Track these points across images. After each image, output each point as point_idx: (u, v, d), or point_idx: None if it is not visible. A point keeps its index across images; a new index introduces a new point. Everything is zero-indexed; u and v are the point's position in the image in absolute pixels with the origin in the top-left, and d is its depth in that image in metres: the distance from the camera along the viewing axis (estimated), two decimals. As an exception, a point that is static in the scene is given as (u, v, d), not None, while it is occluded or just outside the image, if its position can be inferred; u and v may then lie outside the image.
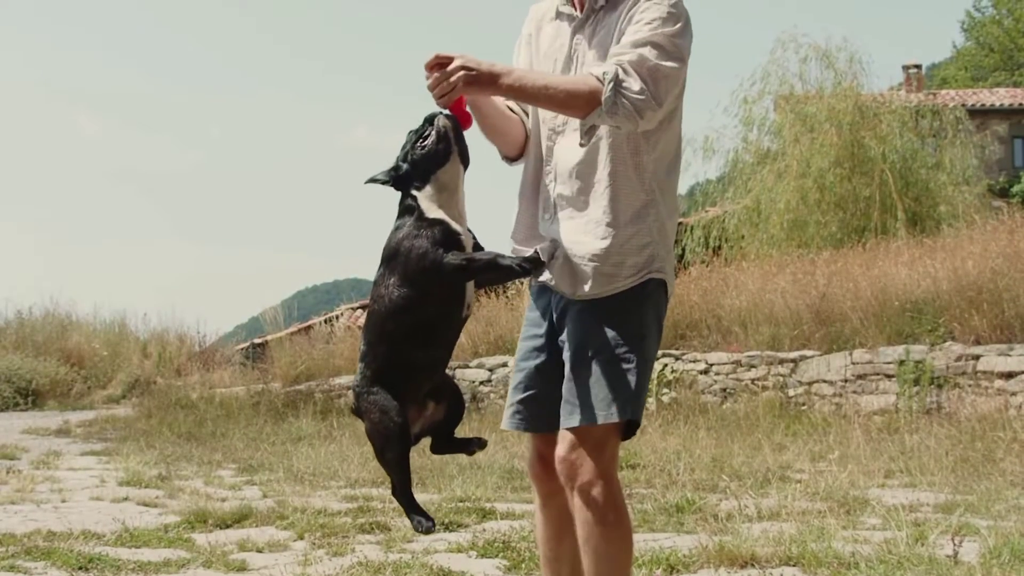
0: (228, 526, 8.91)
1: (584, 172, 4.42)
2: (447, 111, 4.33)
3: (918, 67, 56.53)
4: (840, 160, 30.54)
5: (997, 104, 54.39)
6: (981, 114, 50.80)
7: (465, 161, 4.38)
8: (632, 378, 4.33)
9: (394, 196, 4.36)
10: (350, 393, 4.40)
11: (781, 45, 34.07)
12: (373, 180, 4.41)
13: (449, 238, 4.23)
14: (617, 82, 4.16)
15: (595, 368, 4.35)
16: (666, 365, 18.55)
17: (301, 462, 13.15)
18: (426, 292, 4.26)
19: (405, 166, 4.34)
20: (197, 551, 7.71)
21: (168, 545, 7.98)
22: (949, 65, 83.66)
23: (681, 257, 30.13)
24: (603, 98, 4.18)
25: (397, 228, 4.33)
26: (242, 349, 31.64)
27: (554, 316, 4.51)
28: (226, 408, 20.74)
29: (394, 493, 4.79)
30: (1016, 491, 9.86)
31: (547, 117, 4.51)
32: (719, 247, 31.26)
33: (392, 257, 4.31)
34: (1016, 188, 47.89)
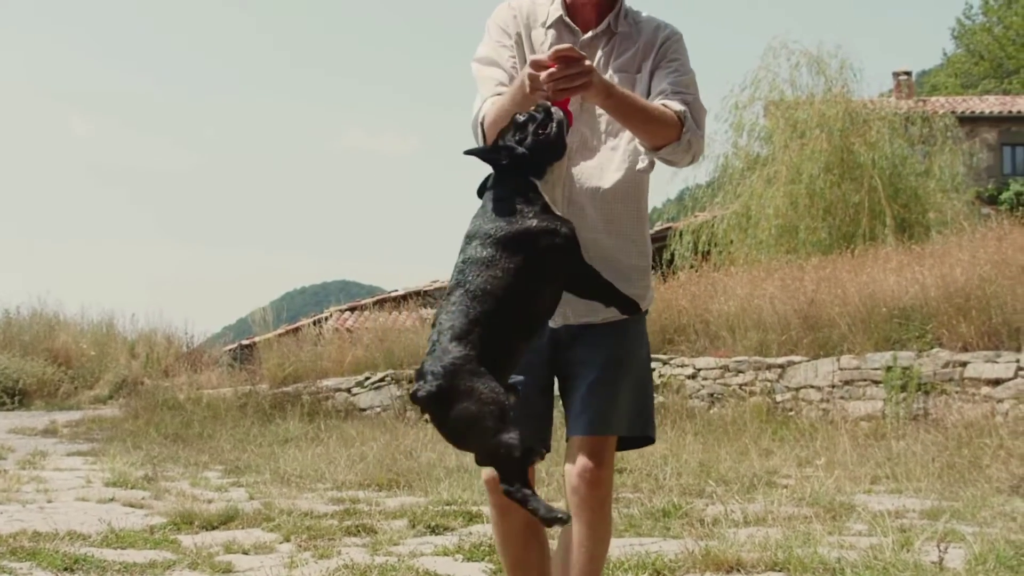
0: (214, 528, 8.90)
1: (626, 195, 4.49)
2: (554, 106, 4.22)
3: (908, 74, 56.70)
4: (830, 166, 30.59)
5: (986, 111, 54.57)
6: (970, 121, 50.95)
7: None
8: (653, 396, 4.66)
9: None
10: (414, 382, 3.84)
11: (772, 51, 34.13)
12: (479, 154, 4.22)
13: (577, 241, 4.14)
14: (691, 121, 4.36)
15: (626, 384, 4.49)
16: (654, 370, 18.54)
17: (288, 464, 13.15)
18: (547, 287, 4.12)
19: (522, 149, 4.14)
20: (183, 552, 7.71)
21: (154, 546, 7.97)
22: (939, 72, 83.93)
23: (670, 262, 30.18)
24: (682, 133, 4.35)
25: (520, 213, 4.10)
26: (230, 350, 31.63)
27: (562, 337, 4.51)
28: (213, 409, 20.71)
29: (506, 480, 3.95)
30: (1002, 498, 9.88)
31: (575, 136, 4.44)
32: (708, 252, 31.28)
33: (518, 242, 4.06)
34: (1005, 195, 48.03)
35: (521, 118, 4.14)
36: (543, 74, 4.01)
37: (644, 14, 4.64)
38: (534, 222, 4.06)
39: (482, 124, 4.42)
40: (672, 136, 4.37)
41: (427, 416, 4.01)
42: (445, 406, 3.86)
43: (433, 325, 4.01)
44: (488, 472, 4.52)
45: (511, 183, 4.14)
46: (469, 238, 4.08)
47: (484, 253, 4.02)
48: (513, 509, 4.27)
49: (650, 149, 4.41)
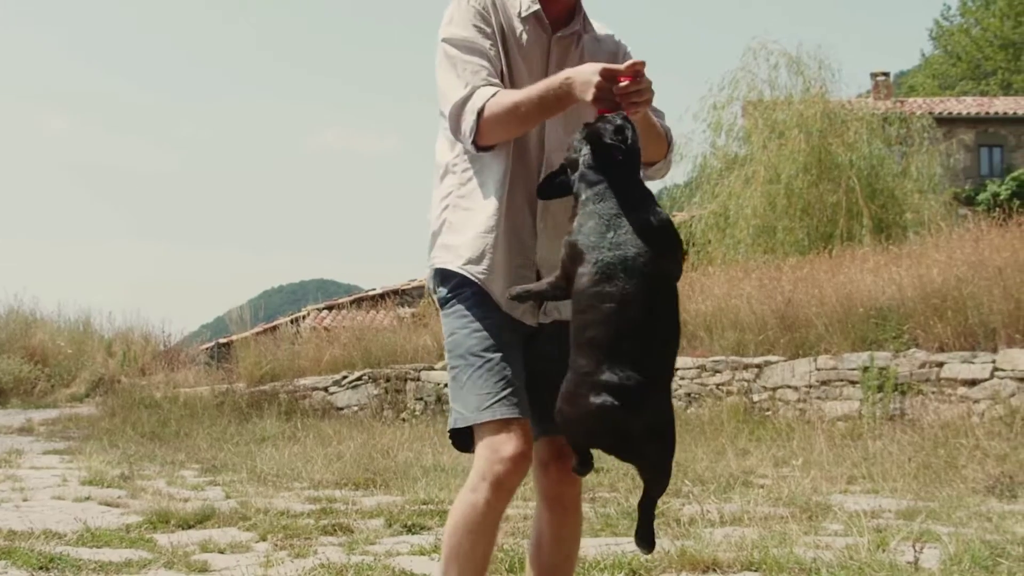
0: (190, 527, 8.88)
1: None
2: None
3: (886, 75, 56.92)
4: (808, 167, 30.68)
5: (964, 112, 54.84)
6: (948, 122, 51.13)
7: None
8: None
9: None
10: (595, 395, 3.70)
11: (752, 52, 34.26)
12: (602, 139, 4.04)
13: None
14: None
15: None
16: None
17: (264, 463, 13.13)
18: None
19: (624, 147, 4.05)
20: (159, 551, 7.68)
21: (130, 545, 7.94)
22: (917, 73, 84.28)
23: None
24: (669, 151, 4.58)
25: (657, 211, 4.01)
26: (207, 349, 31.60)
27: (535, 332, 4.48)
28: (190, 408, 20.69)
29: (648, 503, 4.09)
30: (977, 498, 9.91)
31: (552, 137, 4.45)
32: (686, 252, 31.30)
33: (669, 242, 4.04)
34: (982, 196, 48.20)
35: (618, 121, 4.06)
36: (617, 86, 4.04)
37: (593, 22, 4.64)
38: (668, 220, 4.04)
39: (480, 113, 4.23)
40: (662, 153, 4.53)
41: None
42: None
43: None
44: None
45: (614, 179, 4.02)
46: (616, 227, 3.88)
47: (642, 251, 3.85)
48: (504, 501, 4.27)
49: (644, 165, 4.41)
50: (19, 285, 71.52)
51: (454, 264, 4.37)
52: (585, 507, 9.52)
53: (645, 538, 4.10)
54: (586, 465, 4.03)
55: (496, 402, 4.24)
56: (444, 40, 4.39)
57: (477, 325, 4.34)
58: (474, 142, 4.29)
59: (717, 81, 35.89)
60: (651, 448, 3.89)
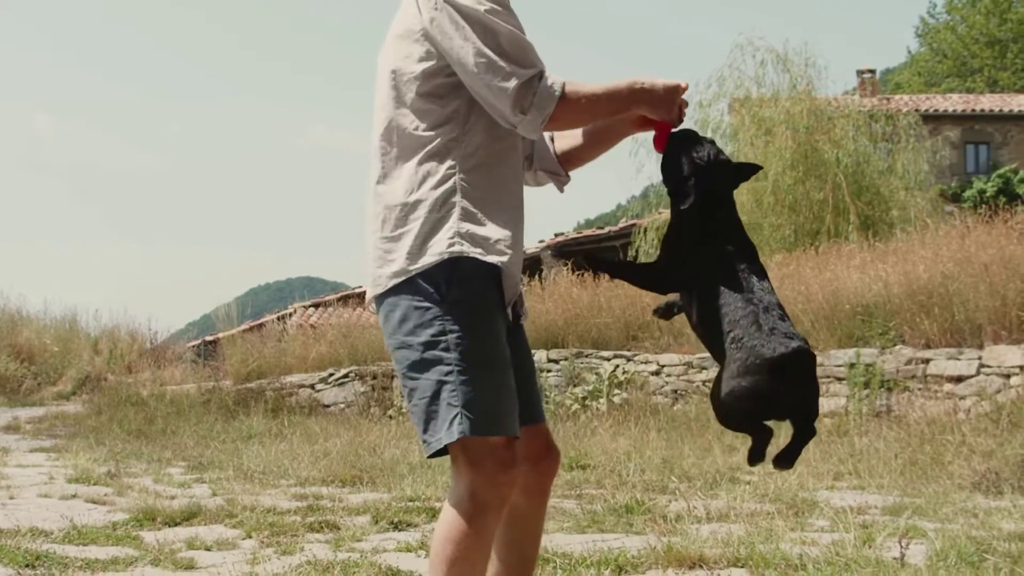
0: (177, 524, 8.87)
1: None
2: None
3: (872, 72, 57.01)
4: (794, 164, 30.70)
5: (950, 109, 54.96)
6: (934, 119, 51.24)
7: None
8: None
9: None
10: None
11: (739, 49, 34.24)
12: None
13: None
14: None
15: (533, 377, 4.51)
16: (618, 366, 18.60)
17: (251, 460, 13.13)
18: None
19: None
20: (145, 549, 7.67)
21: (116, 543, 7.93)
22: (903, 70, 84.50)
23: (635, 259, 30.21)
24: None
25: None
26: (194, 346, 31.54)
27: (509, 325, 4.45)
28: (177, 406, 20.67)
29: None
30: (964, 494, 9.93)
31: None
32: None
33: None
34: (968, 193, 48.27)
35: (710, 138, 4.40)
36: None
37: None
38: None
39: (560, 98, 4.09)
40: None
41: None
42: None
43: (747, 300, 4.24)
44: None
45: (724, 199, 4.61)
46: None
47: (747, 264, 4.39)
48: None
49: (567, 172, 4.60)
50: (5, 283, 71.44)
51: (481, 255, 4.11)
52: (571, 503, 9.56)
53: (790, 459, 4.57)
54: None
55: (510, 416, 4.14)
56: (488, 11, 4.09)
57: (489, 327, 4.15)
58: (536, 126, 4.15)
59: (704, 79, 35.91)
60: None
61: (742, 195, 30.16)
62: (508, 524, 4.35)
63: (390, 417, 19.51)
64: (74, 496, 10.46)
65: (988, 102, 57.15)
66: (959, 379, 15.38)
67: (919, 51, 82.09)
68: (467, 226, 4.10)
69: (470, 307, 4.11)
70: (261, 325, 29.08)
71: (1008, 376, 15.03)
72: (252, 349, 23.54)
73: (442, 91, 4.14)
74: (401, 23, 4.23)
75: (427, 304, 4.09)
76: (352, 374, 21.21)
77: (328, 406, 20.98)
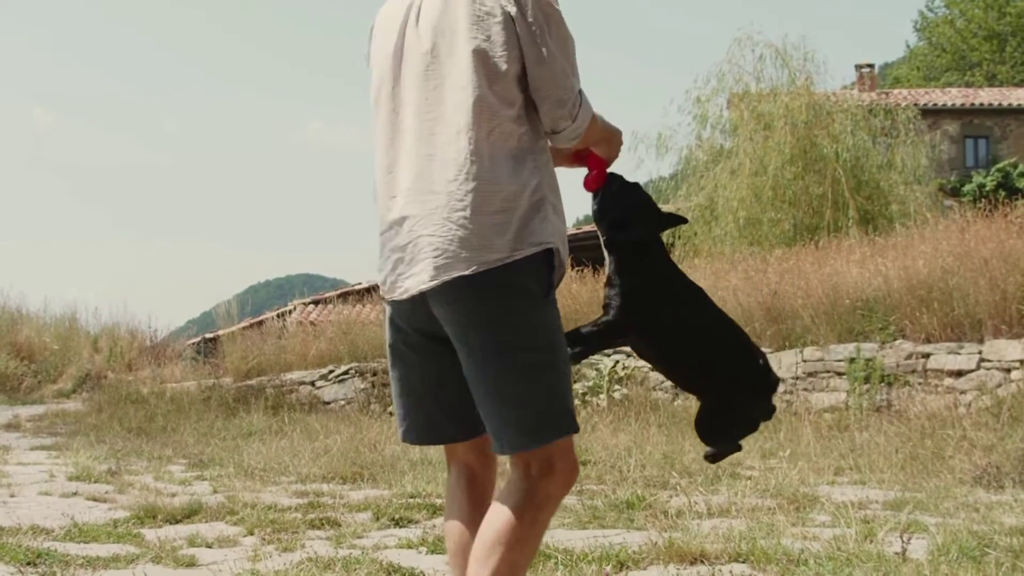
0: (178, 521, 8.87)
1: None
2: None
3: (871, 66, 57.12)
4: (793, 158, 30.73)
5: (949, 104, 54.98)
6: (933, 114, 51.31)
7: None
8: None
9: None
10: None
11: (738, 44, 34.30)
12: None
13: None
14: None
15: None
16: (617, 362, 18.58)
17: (252, 457, 13.12)
18: None
19: None
20: (146, 546, 7.67)
21: (117, 540, 7.93)
22: (902, 65, 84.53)
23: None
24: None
25: None
26: (194, 344, 31.51)
27: None
28: (177, 403, 20.66)
29: None
30: (965, 488, 9.93)
31: None
32: (672, 244, 31.34)
33: None
34: (967, 187, 48.33)
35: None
36: None
37: None
38: None
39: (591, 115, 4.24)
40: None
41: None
42: None
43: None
44: None
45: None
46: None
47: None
48: None
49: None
50: (5, 281, 71.37)
51: (561, 250, 4.14)
52: (572, 499, 9.56)
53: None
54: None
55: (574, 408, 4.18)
56: (560, 12, 4.14)
57: (560, 320, 4.20)
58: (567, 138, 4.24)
59: (703, 74, 36.02)
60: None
61: (742, 190, 30.20)
62: (471, 483, 4.40)
63: (390, 414, 19.47)
64: (75, 494, 10.46)
65: (987, 96, 57.16)
66: (959, 374, 15.38)
67: (918, 45, 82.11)
68: (555, 219, 4.12)
69: (554, 300, 4.17)
70: (261, 322, 29.05)
71: (1008, 370, 15.03)
72: (252, 346, 23.53)
73: (521, 81, 4.11)
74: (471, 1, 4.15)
75: (527, 292, 4.07)
76: (352, 371, 21.20)
77: (328, 403, 20.98)
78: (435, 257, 4.00)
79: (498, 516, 4.01)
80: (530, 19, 4.05)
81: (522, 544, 4.00)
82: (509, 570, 3.97)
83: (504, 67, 4.06)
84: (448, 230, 4.00)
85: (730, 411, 4.76)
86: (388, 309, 4.30)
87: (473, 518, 4.22)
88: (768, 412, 4.96)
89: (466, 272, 3.97)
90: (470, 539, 4.16)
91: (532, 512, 4.01)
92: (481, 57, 4.05)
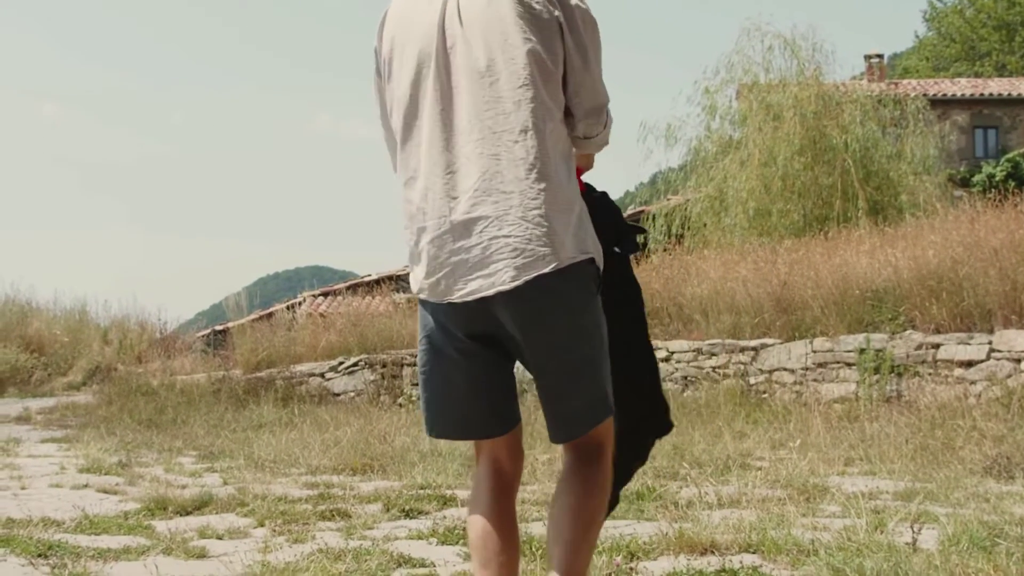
0: (188, 513, 8.88)
1: None
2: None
3: (880, 57, 56.91)
4: (803, 149, 30.70)
5: (958, 94, 54.83)
6: (942, 104, 51.21)
7: None
8: None
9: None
10: None
11: (747, 34, 34.27)
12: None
13: None
14: None
15: None
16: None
17: (262, 449, 13.12)
18: None
19: None
20: (157, 538, 7.68)
21: (128, 532, 7.93)
22: (911, 55, 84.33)
23: (644, 245, 30.16)
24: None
25: None
26: (203, 336, 31.60)
27: None
28: (187, 395, 20.69)
29: None
30: (975, 479, 9.91)
31: None
32: (681, 235, 31.39)
33: None
34: (977, 178, 48.22)
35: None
36: None
37: None
38: None
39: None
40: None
41: None
42: None
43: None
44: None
45: None
46: None
47: None
48: None
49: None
50: (15, 274, 71.57)
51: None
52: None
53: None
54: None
55: None
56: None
57: None
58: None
59: (712, 65, 36.08)
60: None
61: (751, 181, 30.19)
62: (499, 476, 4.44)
63: (400, 405, 19.52)
64: (85, 486, 10.46)
65: (996, 86, 57.00)
66: (969, 364, 15.36)
67: (927, 35, 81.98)
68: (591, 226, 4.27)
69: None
70: (271, 314, 29.10)
71: (1019, 361, 15.01)
72: (262, 338, 23.56)
73: (562, 86, 4.18)
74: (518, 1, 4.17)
75: (589, 290, 4.19)
76: (362, 362, 21.22)
77: (338, 395, 21.01)
78: (514, 258, 4.03)
79: (579, 501, 4.22)
80: (577, 26, 4.11)
81: (599, 524, 4.32)
82: (591, 550, 4.29)
83: (553, 70, 4.10)
84: (525, 229, 4.03)
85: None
86: (429, 310, 4.29)
87: (496, 510, 4.29)
88: (659, 430, 5.02)
89: (545, 271, 4.03)
90: (492, 531, 4.24)
91: (602, 493, 4.28)
92: (535, 57, 4.08)
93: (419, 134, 4.20)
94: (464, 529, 7.47)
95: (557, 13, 4.07)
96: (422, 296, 4.27)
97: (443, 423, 4.42)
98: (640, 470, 10.37)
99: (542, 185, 4.04)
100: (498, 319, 4.11)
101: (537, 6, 4.07)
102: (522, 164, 4.04)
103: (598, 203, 4.57)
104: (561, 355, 4.20)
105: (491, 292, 4.04)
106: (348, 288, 33.50)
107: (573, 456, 4.33)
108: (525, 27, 4.06)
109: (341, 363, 21.46)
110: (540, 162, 4.05)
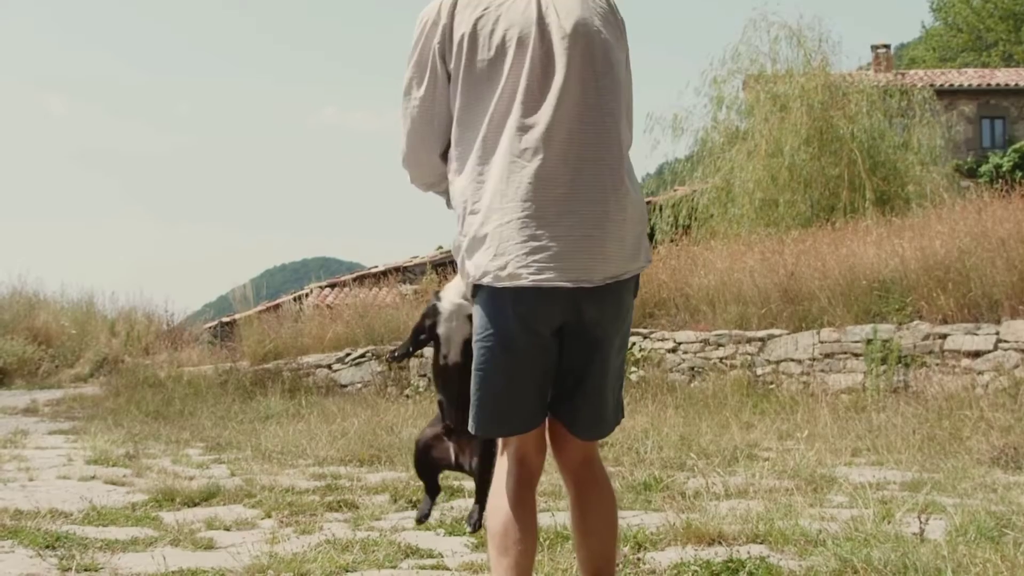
0: (196, 504, 8.90)
1: None
2: None
3: (887, 47, 56.82)
4: (809, 139, 30.62)
5: (965, 84, 54.72)
6: (949, 94, 51.10)
7: None
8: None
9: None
10: None
11: (753, 24, 34.18)
12: None
13: (430, 309, 5.30)
14: None
15: None
16: (634, 344, 18.57)
17: (269, 440, 13.14)
18: None
19: None
20: (164, 529, 7.70)
21: (135, 523, 7.95)
22: (918, 45, 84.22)
23: (651, 236, 30.12)
24: None
25: None
26: (210, 328, 31.58)
27: None
28: (194, 387, 20.71)
29: None
30: (982, 469, 9.91)
31: None
32: (688, 226, 31.33)
33: None
34: (984, 168, 48.09)
35: None
36: None
37: None
38: None
39: None
40: None
41: None
42: None
43: None
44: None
45: None
46: None
47: None
48: None
49: None
50: (22, 266, 71.52)
51: None
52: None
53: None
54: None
55: None
56: None
57: None
58: None
59: (718, 55, 35.99)
60: None
61: (758, 172, 30.15)
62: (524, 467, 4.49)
63: (407, 396, 19.51)
64: (93, 477, 10.48)
65: (1003, 76, 56.90)
66: (976, 354, 15.35)
67: (934, 25, 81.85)
68: None
69: None
70: (278, 306, 29.06)
71: (1026, 351, 15.01)
72: (269, 330, 23.56)
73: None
74: (597, 4, 4.30)
75: (633, 299, 4.43)
76: (369, 354, 21.21)
77: (345, 386, 21.00)
78: (621, 253, 4.18)
79: (609, 496, 4.51)
80: (626, 40, 4.35)
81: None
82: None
83: (624, 78, 4.31)
84: (629, 230, 4.21)
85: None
86: (508, 303, 4.17)
87: (519, 500, 4.33)
88: None
89: (624, 276, 4.21)
90: (514, 520, 4.27)
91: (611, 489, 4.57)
92: (618, 66, 4.26)
93: (519, 120, 4.15)
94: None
95: (618, 21, 4.34)
96: (507, 284, 4.12)
97: (506, 420, 4.36)
98: (647, 460, 10.40)
99: (629, 195, 4.23)
100: (581, 312, 4.17)
101: (605, 6, 4.33)
102: (617, 170, 4.20)
103: None
104: (613, 356, 4.34)
105: (584, 284, 4.11)
106: (355, 279, 33.49)
107: (587, 454, 4.48)
108: (606, 28, 4.26)
109: (348, 354, 21.46)
110: (625, 170, 4.24)
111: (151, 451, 12.78)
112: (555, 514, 7.33)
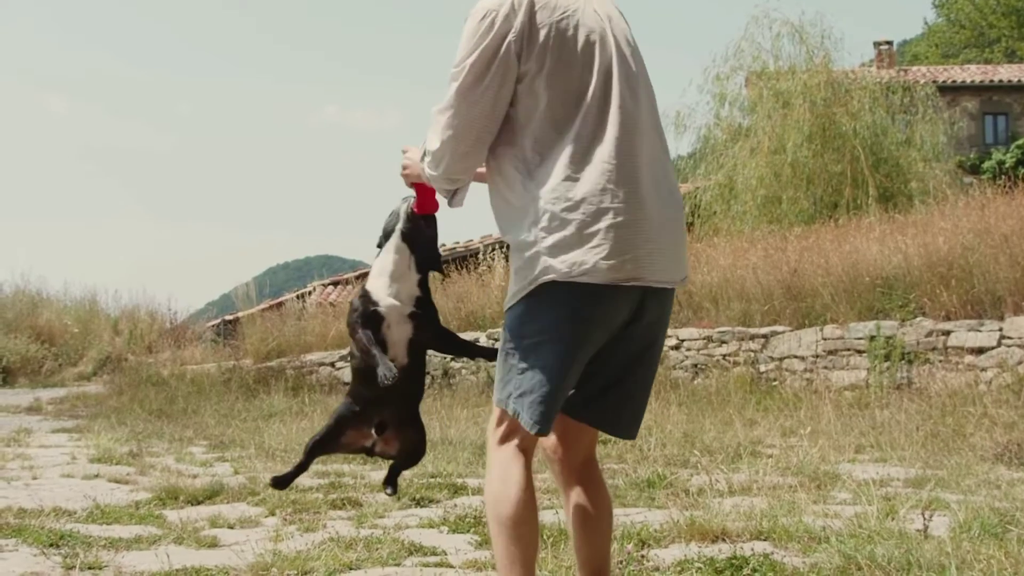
0: (199, 503, 8.89)
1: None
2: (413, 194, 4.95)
3: (889, 44, 56.76)
4: (812, 136, 30.62)
5: (968, 81, 54.71)
6: (952, 91, 51.12)
7: (410, 245, 5.07)
8: (511, 375, 4.27)
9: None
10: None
11: (755, 21, 34.18)
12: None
13: (372, 313, 5.23)
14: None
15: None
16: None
17: (272, 438, 13.14)
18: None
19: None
20: (168, 528, 7.69)
21: (139, 522, 7.95)
22: (920, 42, 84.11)
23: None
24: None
25: None
26: (213, 326, 31.58)
27: None
28: (197, 385, 20.72)
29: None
30: (986, 466, 9.90)
31: None
32: (691, 223, 31.30)
33: None
34: (987, 164, 48.11)
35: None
36: None
37: None
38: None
39: None
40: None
41: None
42: None
43: None
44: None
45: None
46: None
47: None
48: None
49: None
50: (26, 265, 71.57)
51: None
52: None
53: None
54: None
55: None
56: None
57: None
58: None
59: (721, 52, 36.00)
60: None
61: (760, 169, 30.14)
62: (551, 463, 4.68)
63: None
64: (97, 476, 10.49)
65: (1006, 72, 56.86)
66: (980, 351, 15.35)
67: (936, 22, 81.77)
68: None
69: None
70: (280, 304, 29.06)
71: (1029, 347, 15.01)
72: (272, 328, 23.57)
73: None
74: (614, 7, 4.42)
75: None
76: (371, 352, 21.18)
77: (348, 384, 20.97)
78: (679, 258, 4.29)
79: (608, 494, 4.63)
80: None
81: None
82: None
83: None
84: (684, 236, 4.36)
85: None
86: (586, 298, 4.12)
87: (529, 488, 4.33)
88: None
89: (679, 279, 4.34)
90: (526, 508, 4.27)
91: None
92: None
93: (597, 120, 4.17)
94: (476, 517, 7.50)
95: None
96: (587, 279, 4.07)
97: (551, 419, 4.29)
98: (651, 458, 10.42)
99: (680, 199, 4.38)
100: (643, 312, 4.25)
101: (626, 24, 4.46)
102: (672, 174, 4.36)
103: (434, 223, 5.06)
104: (655, 356, 4.51)
105: (664, 283, 4.24)
106: (358, 277, 33.43)
107: (594, 455, 4.60)
108: (630, 35, 4.44)
109: (351, 352, 21.42)
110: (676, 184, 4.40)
111: (154, 449, 12.78)
112: (558, 511, 7.32)
